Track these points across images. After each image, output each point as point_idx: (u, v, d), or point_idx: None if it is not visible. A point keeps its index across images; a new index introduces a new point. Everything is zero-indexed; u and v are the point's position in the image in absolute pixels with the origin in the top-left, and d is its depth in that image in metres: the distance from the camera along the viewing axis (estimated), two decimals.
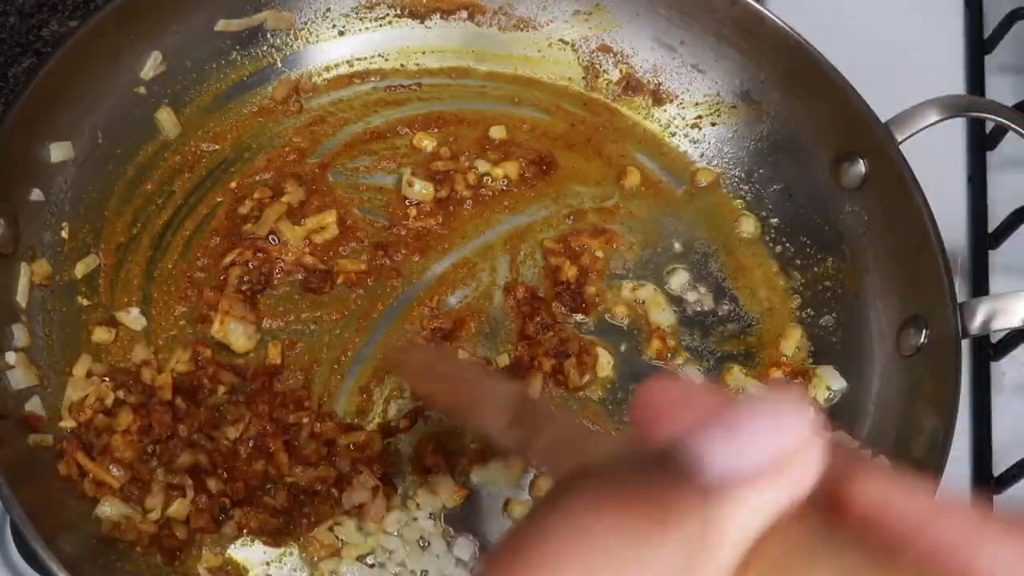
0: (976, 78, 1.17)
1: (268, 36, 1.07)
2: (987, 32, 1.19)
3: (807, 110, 1.02)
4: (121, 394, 0.89)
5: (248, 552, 0.88)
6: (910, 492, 0.41)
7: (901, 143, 0.95)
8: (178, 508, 0.86)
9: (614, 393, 0.97)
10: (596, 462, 0.46)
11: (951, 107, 0.96)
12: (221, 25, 1.04)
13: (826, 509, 0.42)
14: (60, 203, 0.95)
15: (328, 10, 1.08)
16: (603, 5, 1.08)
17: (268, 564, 0.88)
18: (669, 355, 0.98)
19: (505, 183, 1.05)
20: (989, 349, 1.04)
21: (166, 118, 1.02)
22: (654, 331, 1.00)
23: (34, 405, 0.88)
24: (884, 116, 0.96)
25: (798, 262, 1.03)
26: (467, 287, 1.00)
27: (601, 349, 0.98)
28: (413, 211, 1.02)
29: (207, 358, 0.93)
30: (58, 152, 0.95)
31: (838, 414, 0.97)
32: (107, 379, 0.90)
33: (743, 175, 1.07)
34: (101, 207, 0.98)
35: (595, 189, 1.06)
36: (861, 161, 0.98)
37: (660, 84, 1.09)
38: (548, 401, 0.94)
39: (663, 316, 1.00)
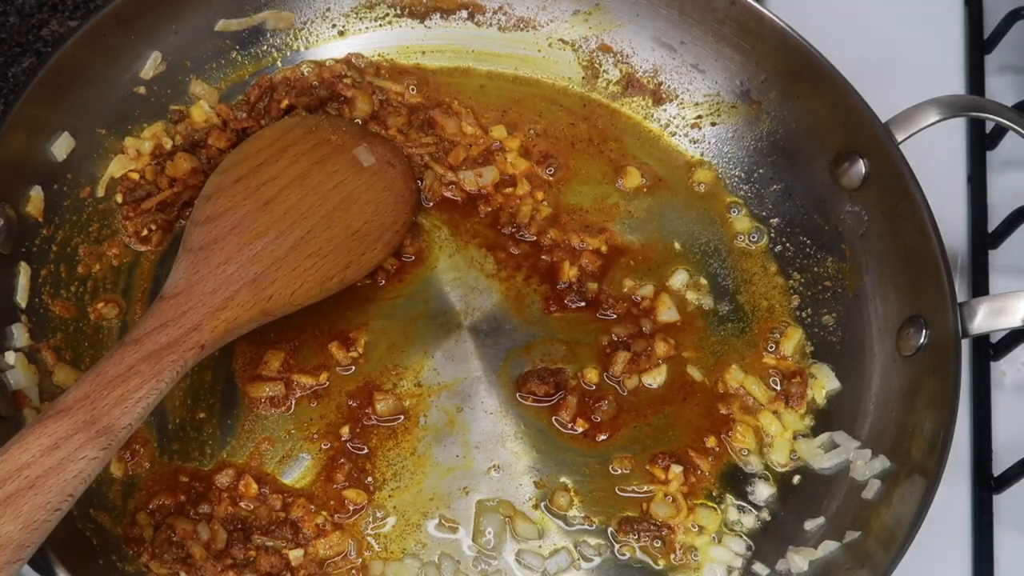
0: (976, 78, 1.17)
1: (268, 36, 1.07)
2: (987, 32, 1.19)
3: (807, 110, 1.02)
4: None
5: None
6: None
7: (901, 143, 0.95)
8: None
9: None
10: None
11: (951, 107, 0.96)
12: (221, 25, 1.04)
13: None
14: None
15: (328, 10, 1.08)
16: (603, 5, 1.08)
17: None
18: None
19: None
20: (989, 349, 1.04)
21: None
22: (655, 330, 0.99)
23: (31, 394, 0.88)
24: (884, 116, 0.96)
25: (798, 262, 1.03)
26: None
27: None
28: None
29: None
30: (60, 151, 0.95)
31: (838, 414, 0.97)
32: None
33: (743, 175, 1.07)
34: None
35: (595, 189, 1.06)
36: (861, 161, 0.98)
37: (660, 84, 1.09)
38: None
39: (663, 315, 1.00)
